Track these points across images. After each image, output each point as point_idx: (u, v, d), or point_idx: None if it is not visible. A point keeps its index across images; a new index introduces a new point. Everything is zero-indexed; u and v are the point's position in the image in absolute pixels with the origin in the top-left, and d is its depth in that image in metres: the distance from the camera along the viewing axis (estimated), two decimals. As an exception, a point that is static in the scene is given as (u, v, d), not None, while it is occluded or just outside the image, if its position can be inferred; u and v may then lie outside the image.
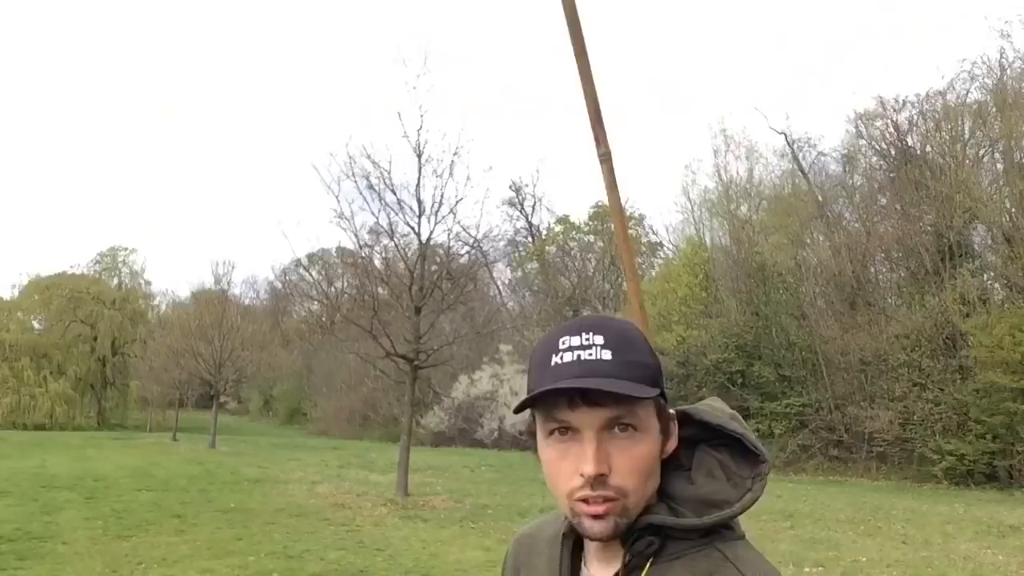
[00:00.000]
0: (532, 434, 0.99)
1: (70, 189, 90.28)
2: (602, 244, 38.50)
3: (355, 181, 13.24)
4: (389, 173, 13.17)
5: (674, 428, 0.98)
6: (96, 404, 43.37)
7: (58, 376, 39.96)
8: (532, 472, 19.40)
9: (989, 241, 21.82)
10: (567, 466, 0.92)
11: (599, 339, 0.93)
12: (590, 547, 1.01)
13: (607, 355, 0.92)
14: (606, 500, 0.91)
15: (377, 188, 13.19)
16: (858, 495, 15.71)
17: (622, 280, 37.83)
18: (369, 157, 13.19)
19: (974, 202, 20.04)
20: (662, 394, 0.95)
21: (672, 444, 0.98)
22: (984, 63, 22.12)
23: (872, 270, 24.30)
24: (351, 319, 14.44)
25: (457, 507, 12.20)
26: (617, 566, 0.96)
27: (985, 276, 20.92)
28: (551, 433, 0.94)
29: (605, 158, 1.36)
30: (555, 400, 0.91)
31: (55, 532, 9.06)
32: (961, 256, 20.37)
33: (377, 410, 39.29)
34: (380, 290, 14.34)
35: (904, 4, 57.01)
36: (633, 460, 0.91)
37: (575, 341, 0.93)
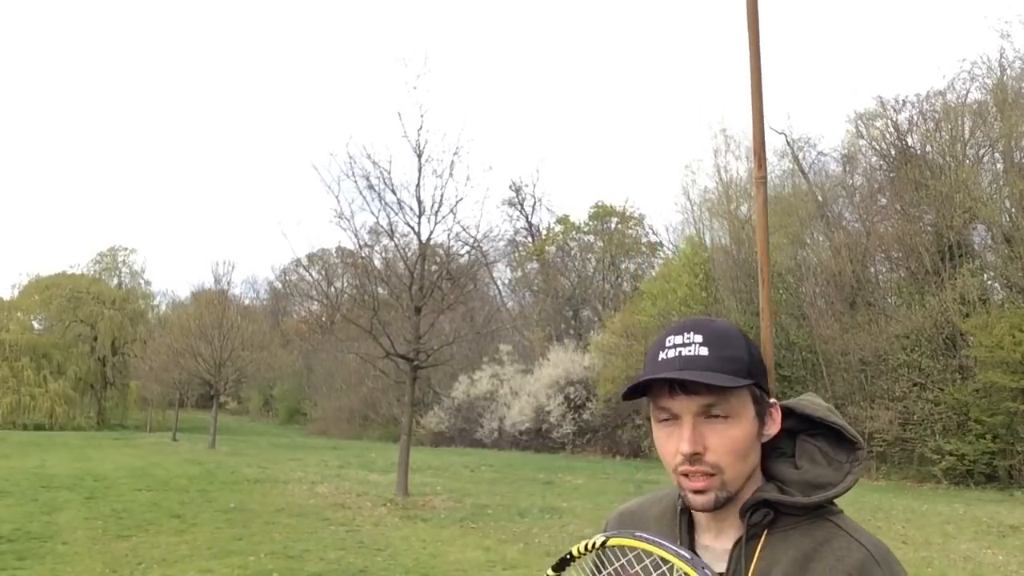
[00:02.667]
0: (648, 419, 1.15)
1: (70, 189, 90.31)
2: (602, 244, 38.49)
3: (355, 181, 13.27)
4: (389, 173, 13.19)
5: (775, 415, 1.10)
6: (96, 404, 43.37)
7: (58, 376, 39.96)
8: (532, 472, 19.40)
9: (989, 241, 21.80)
10: (671, 446, 1.06)
11: (698, 338, 1.06)
12: (700, 521, 1.13)
13: (704, 351, 1.05)
14: (705, 475, 1.04)
15: (377, 188, 13.21)
16: (858, 495, 15.68)
17: (622, 280, 37.81)
18: (369, 157, 13.22)
19: (974, 202, 20.02)
20: (758, 385, 1.07)
21: (773, 429, 1.10)
22: (984, 63, 22.13)
23: (872, 270, 24.29)
24: (351, 319, 14.44)
25: (457, 507, 12.20)
26: (731, 537, 1.09)
27: (985, 276, 20.90)
28: (660, 420, 1.08)
29: (761, 182, 1.51)
30: (660, 390, 1.06)
31: (55, 532, 9.06)
32: (961, 256, 20.35)
33: (377, 410, 39.30)
34: (380, 290, 14.34)
35: (904, 4, 57.02)
36: (727, 442, 1.04)
37: (678, 340, 1.07)
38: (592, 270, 39.07)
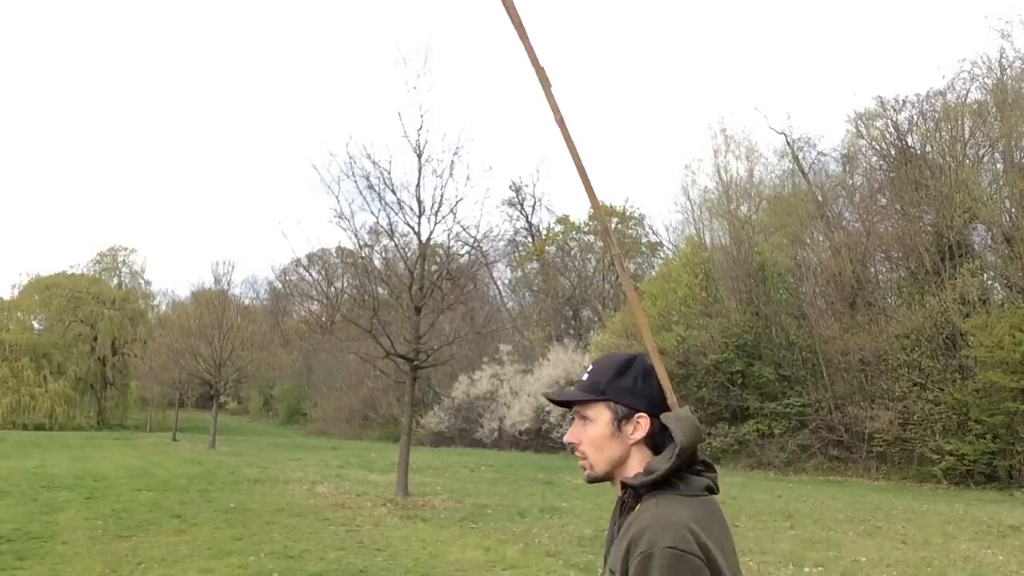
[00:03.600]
0: None
1: (70, 189, 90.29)
2: (602, 244, 38.47)
3: (355, 181, 13.23)
4: (389, 173, 13.16)
5: (641, 423, 1.47)
6: (96, 404, 43.36)
7: (58, 376, 39.94)
8: (532, 472, 19.39)
9: (989, 241, 21.80)
10: None
11: (590, 368, 1.55)
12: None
13: (585, 377, 1.54)
14: (581, 459, 1.52)
15: (377, 188, 13.17)
16: (858, 495, 15.70)
17: (622, 280, 37.79)
18: (369, 157, 13.18)
19: (974, 202, 20.02)
20: (615, 400, 1.48)
21: (638, 434, 1.48)
22: (984, 63, 22.11)
23: (872, 270, 24.28)
24: (351, 319, 14.43)
25: (457, 507, 12.20)
26: None
27: (985, 276, 20.89)
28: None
29: (618, 257, 1.88)
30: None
31: (55, 532, 9.05)
32: (961, 256, 20.35)
33: (377, 410, 39.30)
34: (380, 290, 14.33)
35: (904, 4, 57.02)
36: (586, 437, 1.50)
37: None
38: (592, 270, 39.06)
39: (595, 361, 1.55)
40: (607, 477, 1.50)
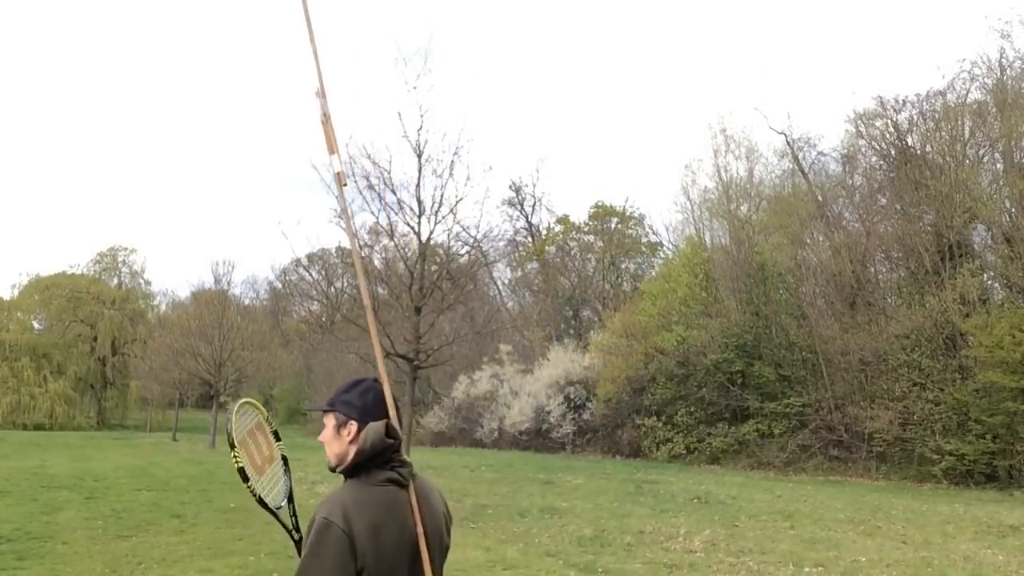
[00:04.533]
0: None
1: (70, 189, 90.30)
2: (602, 244, 38.48)
3: (355, 181, 13.21)
4: (389, 173, 13.15)
5: (349, 428, 1.90)
6: (96, 404, 43.37)
7: (58, 376, 39.95)
8: (532, 472, 19.40)
9: (989, 241, 21.79)
10: None
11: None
12: None
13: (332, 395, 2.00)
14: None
15: (377, 188, 13.15)
16: (858, 495, 15.69)
17: (622, 280, 37.81)
18: (369, 157, 13.17)
19: (974, 202, 20.01)
20: (337, 410, 1.93)
21: (349, 436, 1.89)
22: (984, 63, 22.11)
23: (872, 270, 24.28)
24: (351, 319, 14.43)
25: (457, 507, 12.18)
26: None
27: (985, 276, 20.88)
28: None
29: (369, 308, 2.22)
30: None
31: (55, 532, 9.06)
32: (961, 256, 20.34)
33: (377, 410, 39.24)
34: (380, 290, 14.32)
35: (904, 4, 57.04)
36: (324, 437, 1.95)
37: None
38: (592, 270, 39.02)
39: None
40: (335, 468, 1.91)
